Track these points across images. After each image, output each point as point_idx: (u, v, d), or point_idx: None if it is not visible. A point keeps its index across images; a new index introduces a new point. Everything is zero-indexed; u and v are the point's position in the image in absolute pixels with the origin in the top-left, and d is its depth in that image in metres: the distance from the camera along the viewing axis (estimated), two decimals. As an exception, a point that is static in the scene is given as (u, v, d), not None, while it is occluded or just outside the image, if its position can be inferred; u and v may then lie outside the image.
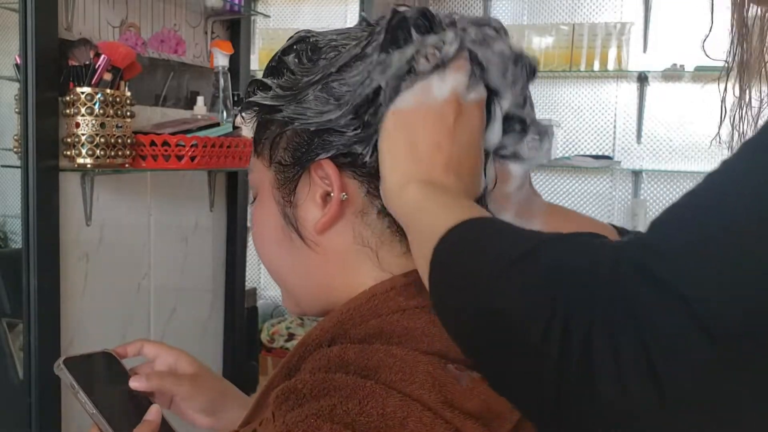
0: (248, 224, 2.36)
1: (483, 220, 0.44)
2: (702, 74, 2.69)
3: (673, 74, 2.81)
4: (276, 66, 0.55)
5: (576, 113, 2.96)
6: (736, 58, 0.64)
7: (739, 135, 0.66)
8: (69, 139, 1.45)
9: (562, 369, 0.34)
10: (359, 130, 0.51)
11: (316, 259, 0.54)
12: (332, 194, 0.52)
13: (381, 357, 0.46)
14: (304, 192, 0.53)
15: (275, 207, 0.55)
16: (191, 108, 1.85)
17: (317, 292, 0.56)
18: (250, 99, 0.56)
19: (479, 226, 0.44)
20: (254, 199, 0.59)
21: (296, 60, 0.54)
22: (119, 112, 1.51)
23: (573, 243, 0.39)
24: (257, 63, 3.21)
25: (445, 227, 0.43)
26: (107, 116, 1.47)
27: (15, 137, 1.48)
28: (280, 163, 0.54)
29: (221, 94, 1.86)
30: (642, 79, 2.84)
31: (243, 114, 0.58)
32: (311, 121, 0.52)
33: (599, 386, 0.33)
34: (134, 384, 0.66)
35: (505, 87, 0.52)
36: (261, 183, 0.57)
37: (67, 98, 1.45)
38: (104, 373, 0.67)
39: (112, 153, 1.49)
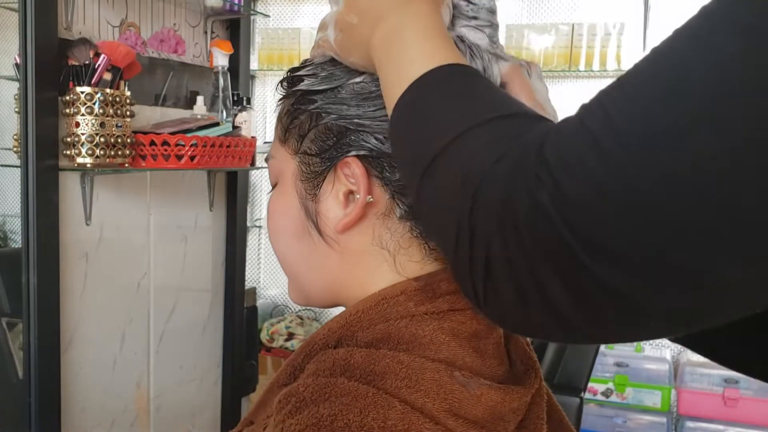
0: (247, 224, 2.36)
1: (451, 71, 0.43)
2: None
3: (673, 74, 2.79)
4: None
5: (575, 113, 2.96)
6: None
7: None
8: (69, 139, 1.45)
9: (475, 276, 0.37)
10: None
11: (333, 255, 0.53)
12: (357, 195, 0.51)
13: (388, 363, 0.45)
14: (327, 187, 0.52)
15: (296, 199, 0.54)
16: (191, 108, 1.85)
17: (329, 287, 0.55)
18: (298, 87, 0.54)
19: (443, 81, 0.43)
20: (273, 187, 0.57)
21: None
22: (119, 112, 1.51)
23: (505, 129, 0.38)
24: (257, 63, 3.21)
25: (415, 74, 0.43)
26: (107, 116, 1.47)
27: (15, 137, 1.48)
28: (307, 154, 0.53)
29: (221, 94, 1.86)
30: (641, 78, 2.83)
31: (283, 85, 0.56)
32: (348, 114, 0.51)
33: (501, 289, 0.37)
34: None
35: None
36: (282, 172, 0.56)
37: (67, 98, 1.45)
38: None
39: (112, 153, 1.49)
